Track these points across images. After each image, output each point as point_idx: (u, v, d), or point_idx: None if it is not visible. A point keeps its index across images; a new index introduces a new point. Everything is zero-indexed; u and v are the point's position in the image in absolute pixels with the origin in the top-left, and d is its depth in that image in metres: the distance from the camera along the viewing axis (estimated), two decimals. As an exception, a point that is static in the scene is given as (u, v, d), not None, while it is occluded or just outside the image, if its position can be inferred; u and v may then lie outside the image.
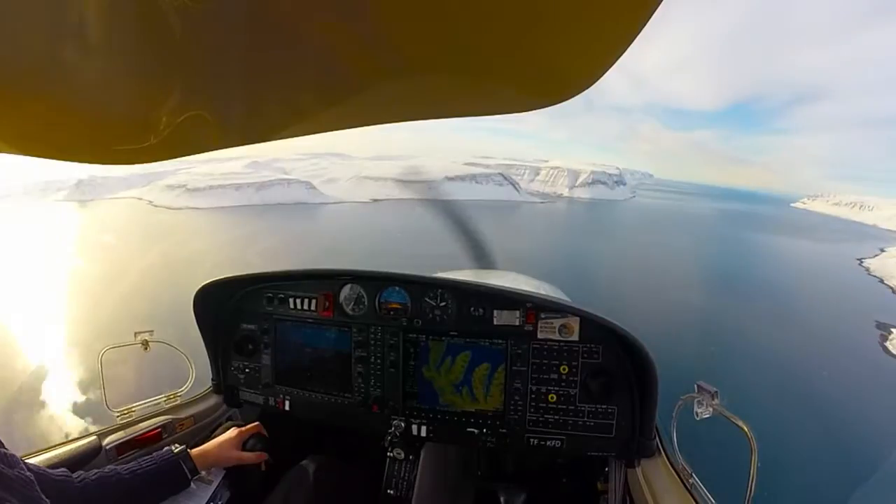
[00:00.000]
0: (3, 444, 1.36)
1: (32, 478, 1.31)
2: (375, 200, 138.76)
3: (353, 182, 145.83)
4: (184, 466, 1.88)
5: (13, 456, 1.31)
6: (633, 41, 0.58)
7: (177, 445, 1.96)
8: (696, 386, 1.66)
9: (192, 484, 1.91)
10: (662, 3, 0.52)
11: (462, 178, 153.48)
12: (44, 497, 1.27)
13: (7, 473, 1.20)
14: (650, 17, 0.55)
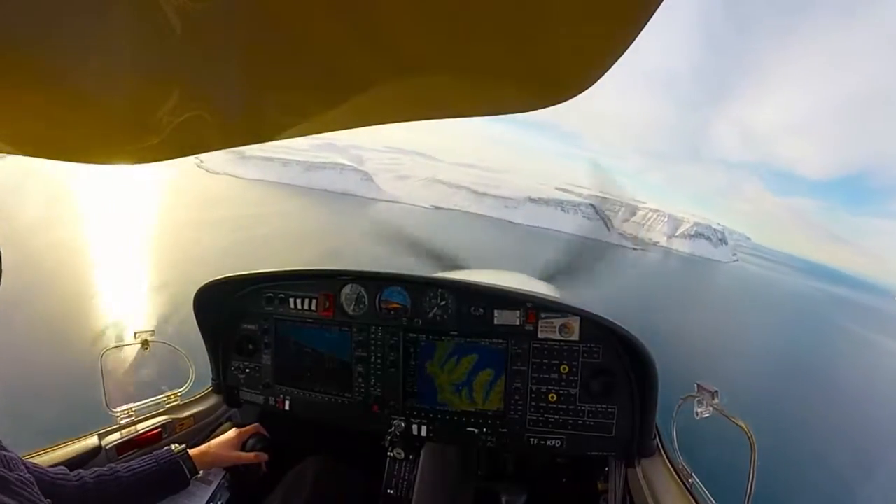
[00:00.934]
0: (3, 445, 1.36)
1: (32, 479, 1.31)
2: (437, 208, 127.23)
3: (423, 183, 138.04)
4: (183, 466, 1.88)
5: (12, 457, 1.31)
6: (633, 41, 0.58)
7: (176, 445, 1.96)
8: (696, 385, 1.66)
9: (191, 484, 1.91)
10: (662, 4, 0.52)
11: (547, 203, 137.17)
12: (43, 498, 1.27)
13: (6, 476, 1.20)
14: (650, 18, 0.55)
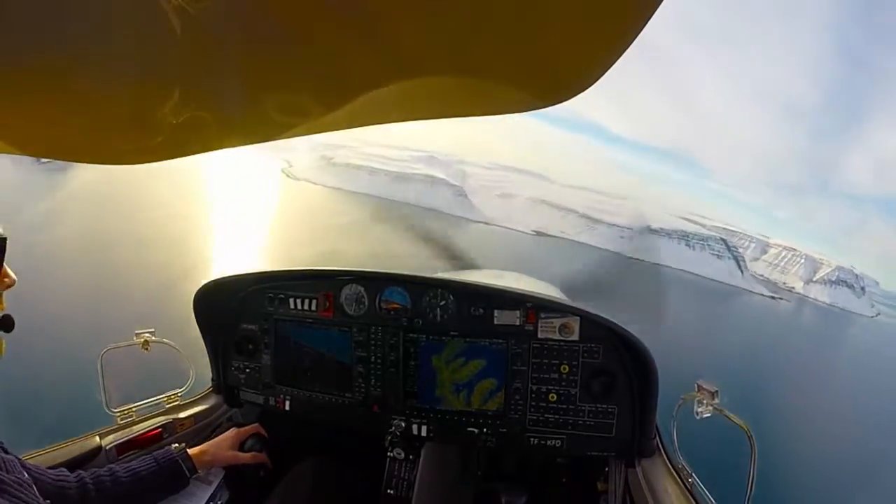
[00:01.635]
0: (4, 447, 1.36)
1: (30, 481, 1.31)
2: (539, 234, 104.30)
3: (527, 204, 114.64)
4: (182, 466, 1.87)
5: (11, 460, 1.31)
6: (632, 42, 0.58)
7: (176, 445, 1.96)
8: (696, 385, 1.66)
9: (191, 484, 1.91)
10: (662, 5, 0.53)
11: (669, 235, 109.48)
12: (42, 500, 1.27)
13: (3, 479, 1.20)
14: (649, 19, 0.55)
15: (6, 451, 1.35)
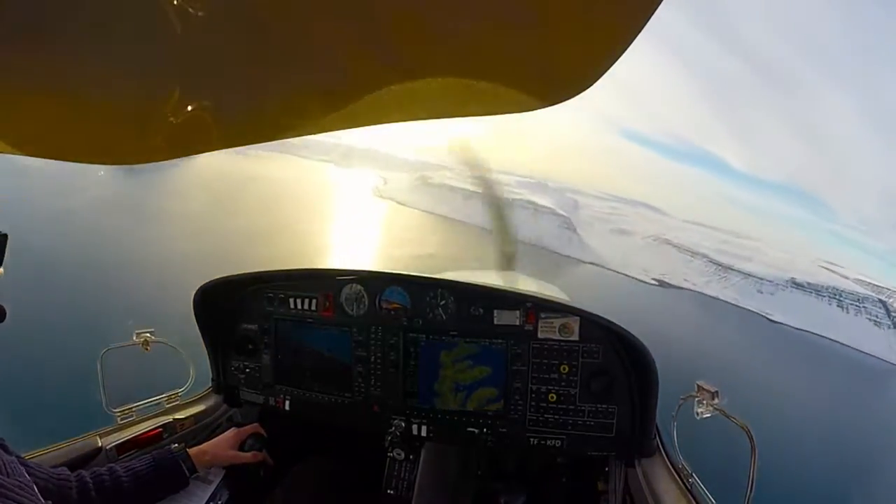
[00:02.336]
0: (6, 447, 1.36)
1: (31, 482, 1.31)
2: (662, 284, 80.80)
3: (648, 244, 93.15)
4: (182, 466, 1.88)
5: (12, 461, 1.31)
6: (631, 43, 0.58)
7: (176, 445, 1.96)
8: (696, 385, 1.66)
9: (191, 483, 1.91)
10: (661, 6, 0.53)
11: (818, 292, 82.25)
12: (43, 501, 1.27)
13: (6, 483, 1.20)
14: (649, 19, 0.55)
15: (7, 451, 1.35)
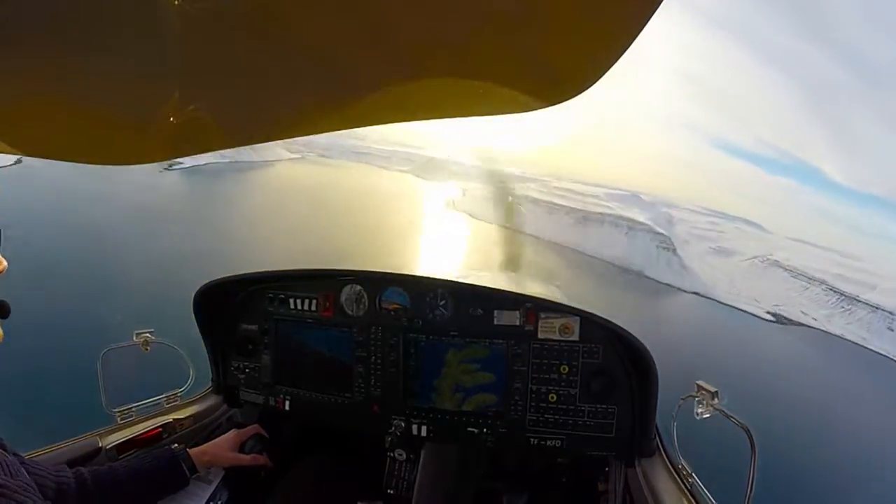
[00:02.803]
0: (4, 445, 1.36)
1: (32, 483, 1.31)
2: (779, 319, 61.33)
3: (753, 266, 76.58)
4: (183, 465, 1.87)
5: (13, 462, 1.31)
6: (632, 43, 0.58)
7: (176, 445, 1.96)
8: (696, 385, 1.66)
9: (191, 483, 1.91)
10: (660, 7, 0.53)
11: None
12: (44, 501, 1.27)
13: (7, 483, 1.20)
14: (649, 20, 0.55)
15: (6, 451, 1.35)
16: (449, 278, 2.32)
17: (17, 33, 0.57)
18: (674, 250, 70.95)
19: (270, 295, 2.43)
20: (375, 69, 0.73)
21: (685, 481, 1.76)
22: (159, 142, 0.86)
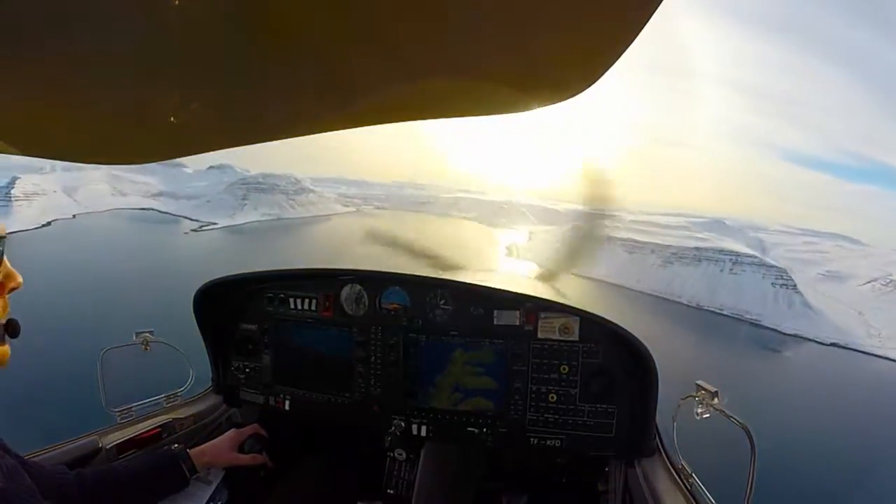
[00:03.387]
0: (6, 447, 1.35)
1: (33, 486, 1.30)
2: None
3: (876, 291, 61.33)
4: (182, 466, 1.87)
5: (13, 465, 1.31)
6: (631, 43, 0.58)
7: (176, 445, 1.96)
8: (696, 385, 1.66)
9: (191, 484, 1.91)
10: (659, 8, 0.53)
11: None
12: (43, 502, 1.27)
13: (8, 488, 1.20)
14: (648, 20, 0.55)
15: (8, 452, 1.35)
16: (449, 278, 2.32)
17: (17, 33, 0.56)
18: (794, 286, 56.53)
19: (270, 295, 2.43)
20: (375, 69, 0.73)
21: (685, 481, 1.76)
22: (159, 141, 0.86)
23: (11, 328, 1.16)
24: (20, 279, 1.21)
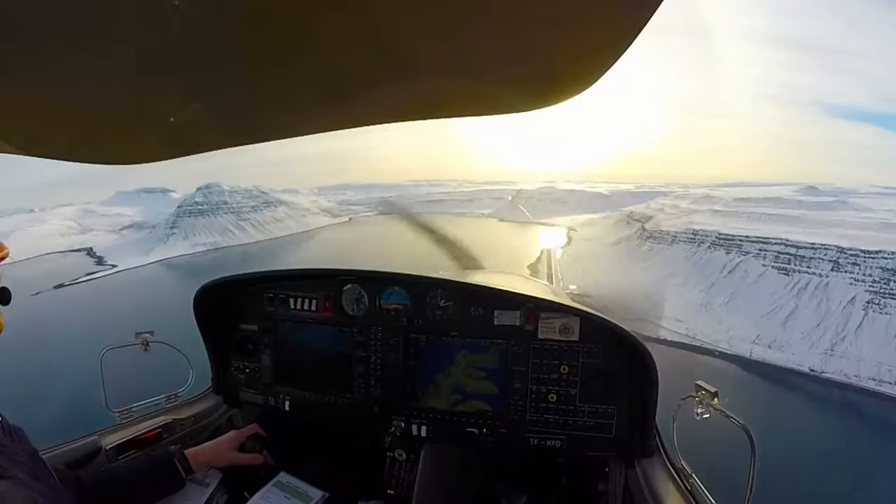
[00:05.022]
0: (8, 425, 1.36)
1: (56, 483, 1.31)
2: None
3: None
4: (179, 466, 1.87)
5: (18, 431, 1.32)
6: (629, 46, 0.59)
7: (173, 447, 1.96)
8: (695, 385, 1.66)
9: (188, 486, 1.91)
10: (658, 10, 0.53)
11: None
12: (52, 473, 1.28)
13: (10, 446, 1.21)
14: (647, 23, 0.55)
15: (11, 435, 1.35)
16: (449, 278, 2.32)
17: (17, 33, 0.57)
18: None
19: (270, 295, 2.43)
20: (375, 69, 0.73)
21: (685, 482, 1.76)
22: (160, 141, 0.87)
23: (2, 296, 1.22)
24: (7, 249, 1.25)
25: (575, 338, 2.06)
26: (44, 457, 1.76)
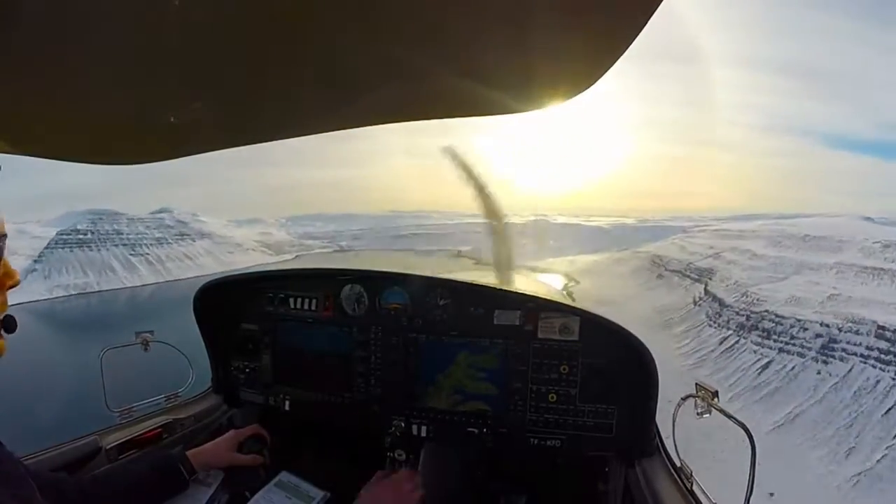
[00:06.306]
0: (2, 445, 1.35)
1: (32, 488, 1.30)
2: None
3: None
4: (181, 468, 1.87)
5: (15, 475, 1.30)
6: (627, 48, 0.59)
7: (174, 446, 1.96)
8: (696, 385, 1.66)
9: (190, 486, 1.90)
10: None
11: None
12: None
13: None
14: (644, 26, 0.56)
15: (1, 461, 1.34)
16: (449, 277, 2.32)
17: (17, 33, 0.57)
18: None
19: (270, 295, 2.43)
20: (375, 69, 0.73)
21: (685, 481, 1.76)
22: (159, 142, 0.87)
23: (7, 324, 1.20)
24: (18, 277, 1.22)
25: (575, 337, 2.06)
26: (43, 457, 1.77)
